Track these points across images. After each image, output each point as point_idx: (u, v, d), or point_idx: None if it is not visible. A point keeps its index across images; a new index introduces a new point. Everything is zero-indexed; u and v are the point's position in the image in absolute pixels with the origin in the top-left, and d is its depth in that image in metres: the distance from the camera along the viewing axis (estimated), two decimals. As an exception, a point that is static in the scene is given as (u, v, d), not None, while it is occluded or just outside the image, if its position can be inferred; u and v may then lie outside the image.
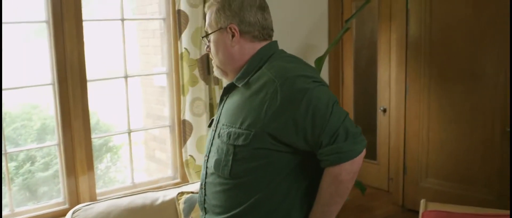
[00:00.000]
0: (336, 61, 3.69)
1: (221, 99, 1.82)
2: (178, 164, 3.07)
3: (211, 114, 2.91)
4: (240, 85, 1.70)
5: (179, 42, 2.80)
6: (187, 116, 2.87)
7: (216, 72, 1.81)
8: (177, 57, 2.89)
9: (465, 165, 4.07)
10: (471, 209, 2.57)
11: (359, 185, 3.46)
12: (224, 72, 1.78)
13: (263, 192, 1.63)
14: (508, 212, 2.52)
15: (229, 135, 1.63)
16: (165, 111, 3.18)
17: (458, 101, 4.02)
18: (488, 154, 3.91)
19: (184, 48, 2.77)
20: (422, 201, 2.60)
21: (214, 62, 1.78)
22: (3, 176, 2.53)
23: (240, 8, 1.67)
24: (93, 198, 2.74)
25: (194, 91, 2.83)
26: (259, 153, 1.60)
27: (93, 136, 2.77)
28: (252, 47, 1.71)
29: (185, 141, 2.92)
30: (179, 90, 2.92)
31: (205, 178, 1.78)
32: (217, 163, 1.68)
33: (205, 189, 1.78)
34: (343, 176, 1.57)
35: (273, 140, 1.58)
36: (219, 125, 1.72)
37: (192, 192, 2.54)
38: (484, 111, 3.87)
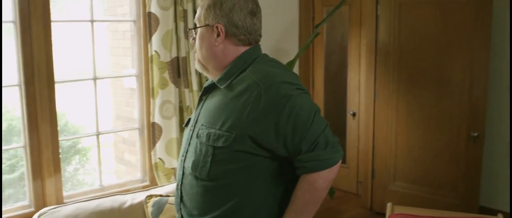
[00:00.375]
0: (307, 66, 3.73)
1: (200, 99, 1.80)
2: (147, 167, 3.06)
3: (181, 117, 2.91)
4: (222, 87, 1.68)
5: (149, 45, 2.79)
6: (157, 118, 2.86)
7: (197, 66, 1.79)
8: (147, 60, 2.87)
9: (432, 169, 4.15)
10: (436, 213, 2.63)
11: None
12: (205, 68, 1.76)
13: (241, 195, 1.63)
14: (472, 215, 2.58)
15: (208, 136, 1.62)
16: (135, 113, 3.16)
17: (425, 107, 4.10)
18: (454, 159, 3.99)
19: (154, 50, 2.76)
20: (389, 205, 2.65)
21: (197, 55, 1.76)
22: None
23: (231, 10, 1.66)
24: (60, 201, 2.71)
25: (164, 94, 2.83)
26: (239, 156, 1.59)
27: (61, 138, 2.74)
28: (236, 50, 1.70)
29: (154, 144, 2.91)
30: (149, 92, 2.91)
31: (182, 178, 1.75)
32: (195, 164, 1.66)
33: (181, 190, 1.76)
34: (319, 183, 1.58)
35: (253, 143, 1.58)
36: (198, 125, 1.70)
37: (160, 195, 2.52)
38: (450, 116, 3.95)
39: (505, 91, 3.96)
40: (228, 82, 1.67)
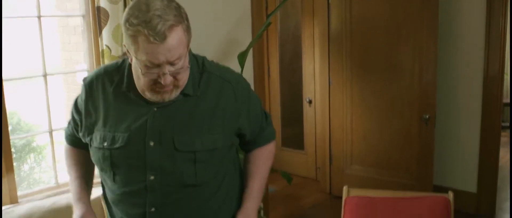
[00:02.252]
0: (261, 56, 3.75)
1: (140, 113, 1.57)
2: (103, 162, 3.03)
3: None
4: (196, 94, 1.57)
5: (100, 39, 2.76)
6: (111, 113, 2.84)
7: (173, 96, 1.54)
8: (98, 55, 2.84)
9: (387, 152, 4.27)
10: (391, 193, 2.70)
11: (285, 175, 3.54)
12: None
13: (223, 175, 1.69)
14: (424, 194, 2.67)
15: (201, 143, 1.56)
16: (89, 109, 3.11)
17: (378, 92, 4.20)
18: (407, 141, 4.11)
19: (105, 45, 2.74)
20: (345, 188, 2.70)
21: (178, 89, 1.53)
22: None
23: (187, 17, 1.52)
24: (14, 201, 2.66)
25: (117, 89, 2.80)
26: (225, 151, 1.65)
27: (13, 136, 2.69)
28: None
29: (109, 139, 2.88)
30: (102, 87, 2.88)
31: (163, 199, 1.59)
32: (190, 174, 1.57)
33: (161, 211, 1.61)
34: (274, 149, 1.85)
35: (235, 135, 1.68)
36: (165, 139, 1.54)
37: (117, 190, 2.52)
38: (402, 100, 4.07)
39: (452, 74, 4.10)
40: (199, 88, 1.58)
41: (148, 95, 1.52)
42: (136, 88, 1.56)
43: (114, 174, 1.61)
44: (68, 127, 1.80)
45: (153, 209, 1.60)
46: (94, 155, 1.63)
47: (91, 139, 1.62)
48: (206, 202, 1.65)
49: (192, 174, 1.57)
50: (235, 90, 1.63)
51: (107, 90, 1.61)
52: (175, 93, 1.53)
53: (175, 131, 1.56)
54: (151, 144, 1.55)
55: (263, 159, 1.79)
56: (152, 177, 1.56)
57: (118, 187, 1.62)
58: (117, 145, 1.56)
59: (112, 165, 1.58)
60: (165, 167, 1.56)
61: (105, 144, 1.58)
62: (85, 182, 1.75)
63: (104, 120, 1.60)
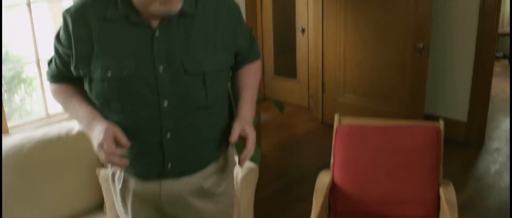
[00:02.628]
0: (253, -18, 3.66)
1: (143, 38, 1.52)
2: (94, 93, 3.00)
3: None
4: (194, 15, 1.55)
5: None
6: (99, 42, 2.78)
7: (178, 7, 1.50)
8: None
9: (379, 81, 4.26)
10: (382, 121, 2.70)
11: (277, 103, 3.54)
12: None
13: (223, 96, 1.73)
14: (415, 122, 2.67)
15: (213, 63, 1.58)
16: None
17: (372, 21, 4.14)
18: (400, 70, 4.10)
19: (91, -29, 2.64)
20: (336, 116, 2.69)
21: (178, 6, 1.50)
22: None
23: None
24: (4, 131, 2.65)
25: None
26: (227, 72, 1.72)
27: (-1, 67, 2.64)
28: None
29: (99, 69, 2.84)
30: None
31: (177, 124, 1.59)
32: (201, 96, 1.58)
33: (172, 142, 1.60)
34: (260, 66, 1.92)
35: (234, 53, 1.71)
36: (174, 62, 1.52)
37: (108, 119, 2.51)
38: (397, 29, 4.01)
39: (448, 3, 4.02)
40: (196, 9, 1.55)
41: (152, 8, 1.46)
42: (134, 12, 1.50)
43: (122, 105, 1.55)
44: (51, 67, 1.71)
45: (169, 135, 1.59)
46: (96, 87, 1.56)
47: (89, 71, 1.55)
48: (214, 123, 1.68)
49: (203, 96, 1.59)
50: (228, 9, 1.64)
51: (101, 16, 1.52)
52: (180, 4, 1.48)
53: (183, 54, 1.53)
54: (161, 69, 1.52)
55: (252, 73, 1.84)
56: (166, 102, 1.54)
57: (127, 117, 1.57)
58: (124, 73, 1.51)
59: (120, 95, 1.53)
60: (178, 90, 1.55)
61: (110, 73, 1.51)
62: (91, 107, 1.63)
63: (102, 48, 1.53)
